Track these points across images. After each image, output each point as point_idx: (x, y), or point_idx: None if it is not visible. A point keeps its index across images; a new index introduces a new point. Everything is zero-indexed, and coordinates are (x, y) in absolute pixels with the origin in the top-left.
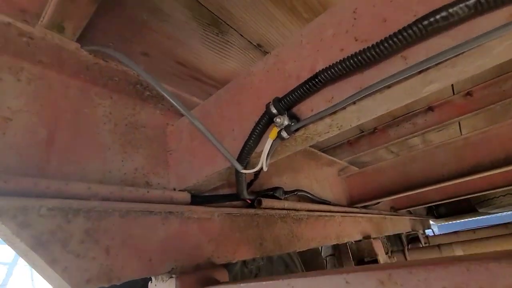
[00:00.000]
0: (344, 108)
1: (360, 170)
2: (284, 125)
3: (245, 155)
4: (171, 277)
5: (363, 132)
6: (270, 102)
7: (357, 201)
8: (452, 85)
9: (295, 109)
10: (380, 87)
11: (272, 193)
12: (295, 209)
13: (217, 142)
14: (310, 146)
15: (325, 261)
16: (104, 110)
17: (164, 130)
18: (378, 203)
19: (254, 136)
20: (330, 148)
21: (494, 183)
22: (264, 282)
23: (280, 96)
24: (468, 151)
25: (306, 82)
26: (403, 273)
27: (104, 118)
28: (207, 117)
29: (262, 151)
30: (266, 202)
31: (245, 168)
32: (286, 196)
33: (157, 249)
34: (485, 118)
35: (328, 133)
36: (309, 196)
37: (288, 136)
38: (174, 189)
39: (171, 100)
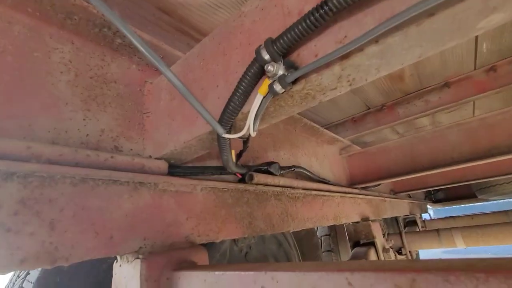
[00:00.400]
0: (361, 49)
1: (363, 149)
2: (278, 75)
3: (229, 115)
4: (137, 258)
5: (369, 108)
6: (261, 45)
7: (357, 182)
8: (475, 56)
9: (294, 55)
10: (418, 11)
11: (267, 168)
12: (291, 187)
13: (193, 99)
14: (311, 121)
15: (320, 241)
16: (61, 57)
17: (141, 88)
18: (379, 184)
19: (240, 91)
20: (332, 125)
21: (503, 169)
22: (243, 272)
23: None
24: (483, 133)
25: (310, 13)
26: (431, 278)
27: (62, 66)
28: (189, 72)
29: (249, 111)
30: (259, 177)
31: (228, 132)
32: (282, 172)
33: (121, 225)
34: (503, 98)
35: (335, 90)
36: (307, 174)
37: (283, 90)
38: (150, 157)
39: (134, 42)
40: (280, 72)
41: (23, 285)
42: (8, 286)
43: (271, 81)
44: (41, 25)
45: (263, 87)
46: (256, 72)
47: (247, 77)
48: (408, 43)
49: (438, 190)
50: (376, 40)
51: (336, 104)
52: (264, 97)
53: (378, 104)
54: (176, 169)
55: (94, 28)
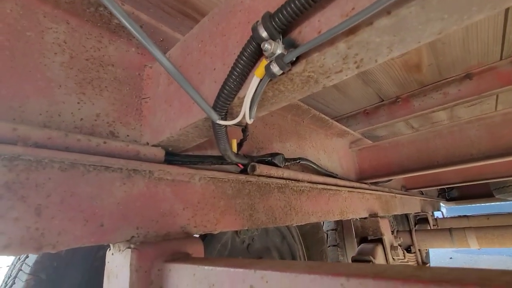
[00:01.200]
0: (370, 23)
1: (375, 143)
2: (276, 54)
3: (223, 100)
4: (129, 248)
5: (383, 100)
6: (258, 21)
7: (367, 177)
8: (502, 45)
9: (295, 33)
10: None
11: (271, 159)
12: (296, 179)
13: (185, 83)
14: (321, 112)
15: (326, 235)
16: (55, 37)
17: (140, 72)
18: (390, 180)
19: (235, 73)
20: (343, 117)
21: None
22: (232, 269)
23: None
24: (506, 129)
25: None
26: None
27: (56, 46)
28: (187, 55)
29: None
30: (262, 168)
31: (223, 119)
32: (286, 164)
33: (112, 213)
34: None
35: (341, 73)
36: (313, 167)
37: (281, 72)
38: (148, 144)
39: (121, 19)
40: (279, 52)
41: (22, 268)
42: (10, 268)
43: (268, 61)
44: (35, 3)
45: (260, 68)
46: (252, 52)
47: (243, 57)
48: (426, 16)
49: (453, 188)
50: (388, 11)
51: (348, 96)
52: (261, 80)
53: (392, 96)
54: (174, 157)
55: (89, 7)
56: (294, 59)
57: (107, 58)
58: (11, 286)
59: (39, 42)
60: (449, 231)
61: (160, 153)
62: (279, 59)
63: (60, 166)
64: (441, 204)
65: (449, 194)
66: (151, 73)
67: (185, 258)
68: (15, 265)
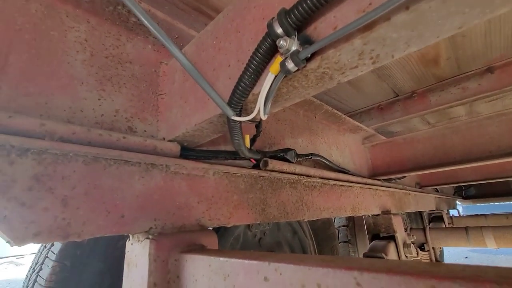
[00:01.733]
0: (387, 18)
1: (388, 139)
2: (291, 51)
3: (238, 97)
4: (147, 238)
5: (398, 96)
6: (273, 17)
7: (380, 173)
8: None
9: (310, 29)
10: None
11: (283, 155)
12: (307, 175)
13: (202, 80)
14: (333, 108)
15: (337, 231)
16: (77, 36)
17: (156, 69)
18: (404, 177)
19: (250, 70)
20: (356, 113)
21: None
22: (247, 261)
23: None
24: None
25: None
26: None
27: (78, 45)
28: (202, 51)
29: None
30: (274, 164)
31: (238, 115)
32: (298, 159)
33: (132, 205)
34: None
35: (356, 69)
36: (325, 163)
37: (296, 69)
38: (164, 139)
39: (140, 17)
40: (294, 48)
41: (48, 255)
42: (37, 255)
43: (283, 57)
44: (57, 3)
45: (275, 65)
46: (267, 49)
47: (258, 54)
48: (447, 9)
49: (470, 185)
50: (406, 6)
51: (361, 91)
52: (275, 76)
53: (408, 91)
54: (189, 152)
55: (108, 5)
56: (309, 55)
57: (125, 56)
58: (39, 271)
59: (62, 41)
60: (465, 229)
61: (176, 148)
62: (294, 56)
63: (84, 159)
64: (457, 202)
65: (466, 192)
66: (167, 70)
67: (200, 249)
68: (41, 252)
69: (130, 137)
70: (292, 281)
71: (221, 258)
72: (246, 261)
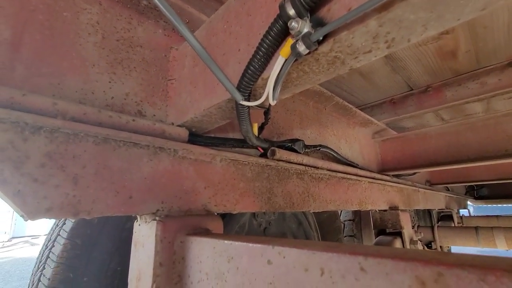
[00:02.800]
0: None
1: (400, 134)
2: (303, 33)
3: (247, 81)
4: (154, 220)
5: (412, 89)
6: None
7: (389, 169)
8: None
9: (324, 10)
10: None
11: (290, 145)
12: (315, 166)
13: (212, 63)
14: (344, 100)
15: (342, 225)
16: (89, 18)
17: (166, 54)
18: (414, 173)
19: (260, 53)
20: (367, 106)
21: None
22: (251, 244)
23: None
24: None
25: None
26: (463, 275)
27: (90, 27)
28: (212, 36)
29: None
30: (281, 153)
31: (247, 100)
32: (306, 150)
33: (140, 186)
34: None
35: (370, 53)
36: (334, 155)
37: (307, 51)
38: (173, 124)
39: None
40: (306, 30)
41: (60, 233)
42: (50, 233)
43: (294, 40)
44: None
45: (286, 48)
46: (279, 31)
47: (269, 36)
48: None
49: (483, 185)
50: None
51: (374, 83)
52: (286, 60)
53: (422, 84)
54: (196, 138)
55: None
56: (321, 38)
57: (136, 39)
58: (51, 248)
59: (74, 23)
60: (475, 229)
61: (184, 133)
62: (306, 38)
63: (94, 140)
64: (469, 202)
65: (478, 192)
66: (177, 55)
67: (205, 233)
68: (54, 230)
69: (139, 120)
70: (296, 265)
71: (226, 241)
72: (250, 244)
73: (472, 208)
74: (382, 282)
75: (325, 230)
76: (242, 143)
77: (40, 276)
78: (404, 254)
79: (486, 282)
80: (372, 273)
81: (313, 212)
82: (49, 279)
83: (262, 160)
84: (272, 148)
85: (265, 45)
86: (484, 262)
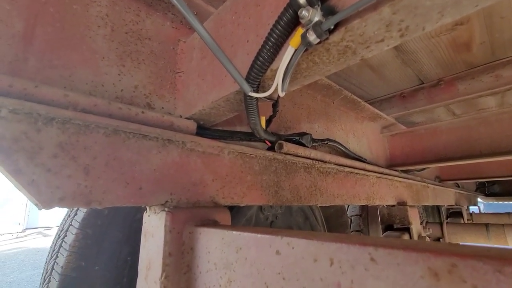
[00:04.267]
0: None
1: (409, 129)
2: (314, 22)
3: (256, 72)
4: (163, 210)
5: (423, 83)
6: None
7: (397, 164)
8: None
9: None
10: None
11: (298, 138)
12: (322, 160)
13: (221, 53)
14: (353, 94)
15: (349, 220)
16: (99, 11)
17: (174, 47)
18: (424, 169)
19: (269, 43)
20: (376, 100)
21: None
22: (259, 235)
23: None
24: None
25: None
26: (478, 266)
27: (99, 20)
28: (220, 27)
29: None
30: (289, 147)
31: (255, 91)
32: (314, 144)
33: (149, 178)
34: None
35: (382, 43)
36: (341, 149)
37: (318, 40)
38: (181, 117)
39: None
40: (316, 19)
41: (72, 223)
42: (62, 223)
43: (305, 29)
44: None
45: (295, 37)
46: (289, 20)
47: (279, 26)
48: None
49: (494, 182)
50: None
51: (384, 77)
52: (295, 50)
53: (434, 78)
54: (204, 131)
55: None
56: (332, 27)
57: (144, 32)
58: (64, 238)
59: (84, 15)
60: (486, 226)
61: (192, 126)
62: (316, 27)
63: (104, 131)
64: (479, 199)
65: (489, 189)
66: (185, 48)
67: (214, 224)
68: (66, 220)
69: (148, 112)
70: (304, 255)
71: (234, 232)
72: (259, 235)
73: (482, 205)
74: (393, 273)
75: (331, 225)
76: (249, 136)
77: (54, 264)
78: (416, 245)
79: (502, 273)
80: (383, 263)
81: (320, 207)
82: (62, 267)
83: (270, 154)
84: (280, 141)
85: (274, 35)
86: (501, 253)
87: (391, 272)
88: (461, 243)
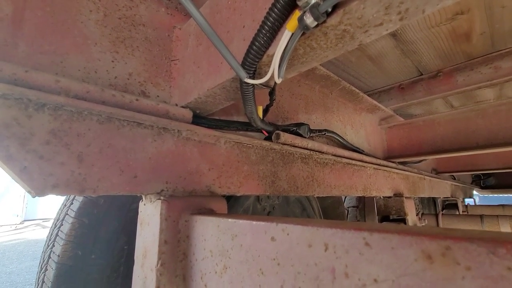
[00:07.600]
0: None
1: (407, 121)
2: (311, 3)
3: (252, 57)
4: (159, 199)
5: (421, 74)
6: None
7: (395, 156)
8: None
9: None
10: None
11: (295, 129)
12: (320, 151)
13: (217, 39)
14: (352, 85)
15: (346, 212)
16: None
17: (169, 34)
18: (421, 161)
19: (266, 28)
20: (375, 92)
21: None
22: (254, 222)
23: None
24: None
25: None
26: (471, 248)
27: (91, 4)
28: (216, 13)
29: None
30: (286, 137)
31: (252, 78)
32: (311, 135)
33: (144, 166)
34: None
35: (381, 26)
36: (339, 140)
37: (315, 23)
38: (176, 105)
39: None
40: (314, 1)
41: (68, 213)
42: (58, 212)
43: (301, 12)
44: None
45: (292, 21)
46: (285, 2)
47: (275, 9)
48: None
49: (490, 175)
50: None
51: (383, 68)
52: (292, 34)
53: (433, 69)
54: (200, 120)
55: None
56: (330, 9)
57: (138, 18)
58: (60, 227)
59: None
60: (481, 217)
61: (188, 114)
62: (314, 9)
63: (98, 118)
64: (474, 191)
65: (484, 182)
66: (180, 35)
67: (210, 212)
68: (62, 210)
69: (143, 100)
70: (299, 241)
71: (230, 219)
72: (254, 222)
73: (478, 197)
74: (387, 257)
75: (328, 216)
76: (246, 126)
77: (50, 253)
78: (410, 229)
79: (496, 255)
80: (377, 248)
81: (317, 198)
82: (58, 255)
83: (267, 144)
84: (277, 131)
85: (271, 18)
86: (494, 236)
87: (385, 256)
88: None
